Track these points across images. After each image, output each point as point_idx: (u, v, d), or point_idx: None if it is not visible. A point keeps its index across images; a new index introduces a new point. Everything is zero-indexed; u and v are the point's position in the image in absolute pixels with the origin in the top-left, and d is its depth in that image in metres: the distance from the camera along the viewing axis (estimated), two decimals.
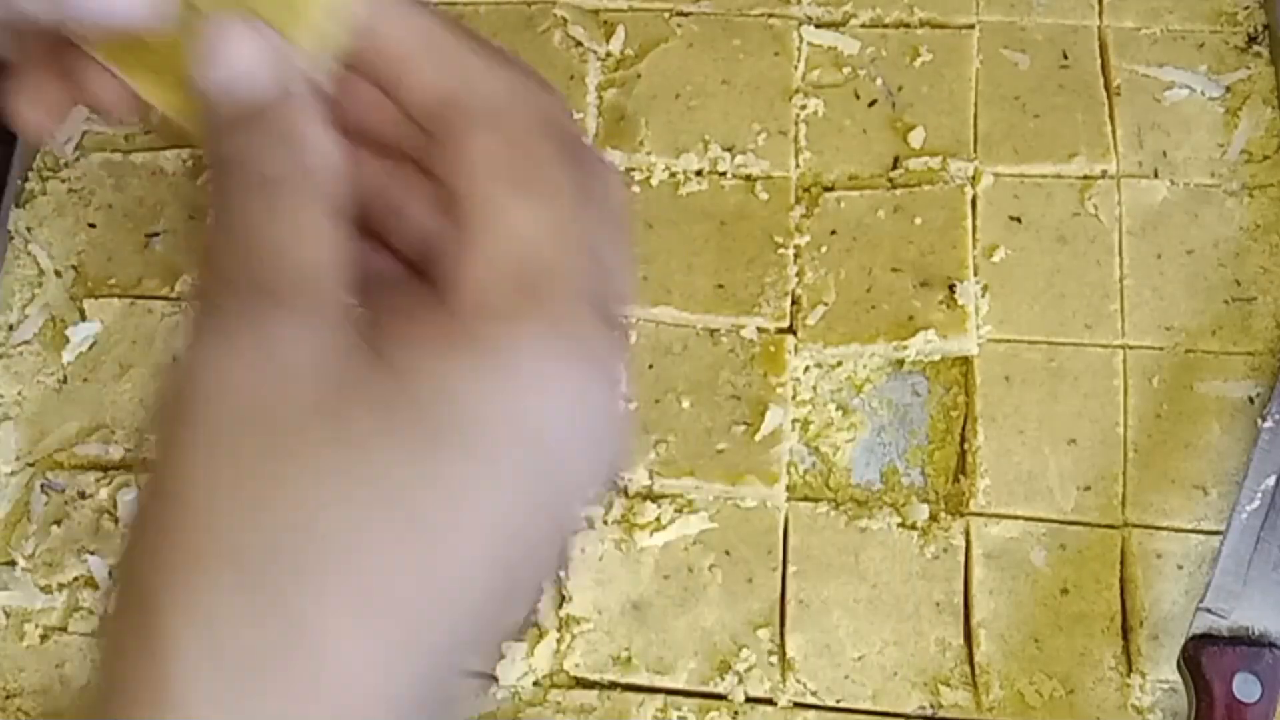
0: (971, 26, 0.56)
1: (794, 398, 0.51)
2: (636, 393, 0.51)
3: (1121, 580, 0.48)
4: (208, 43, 0.31)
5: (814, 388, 0.52)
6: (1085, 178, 0.53)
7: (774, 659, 0.47)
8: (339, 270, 0.29)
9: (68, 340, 0.53)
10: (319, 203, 0.30)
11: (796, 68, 0.56)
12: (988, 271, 0.52)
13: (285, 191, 0.30)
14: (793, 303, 0.52)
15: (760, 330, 0.51)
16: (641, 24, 0.57)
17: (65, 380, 0.53)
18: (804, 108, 0.55)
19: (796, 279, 0.52)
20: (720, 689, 0.47)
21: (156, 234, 0.55)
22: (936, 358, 0.51)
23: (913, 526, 0.49)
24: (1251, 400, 0.50)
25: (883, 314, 0.50)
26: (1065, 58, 0.55)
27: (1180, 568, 0.48)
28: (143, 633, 0.26)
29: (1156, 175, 0.53)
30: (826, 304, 0.51)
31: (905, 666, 0.47)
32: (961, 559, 0.48)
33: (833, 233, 0.52)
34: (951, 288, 0.50)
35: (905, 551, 0.48)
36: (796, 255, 0.52)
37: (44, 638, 0.49)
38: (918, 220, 0.52)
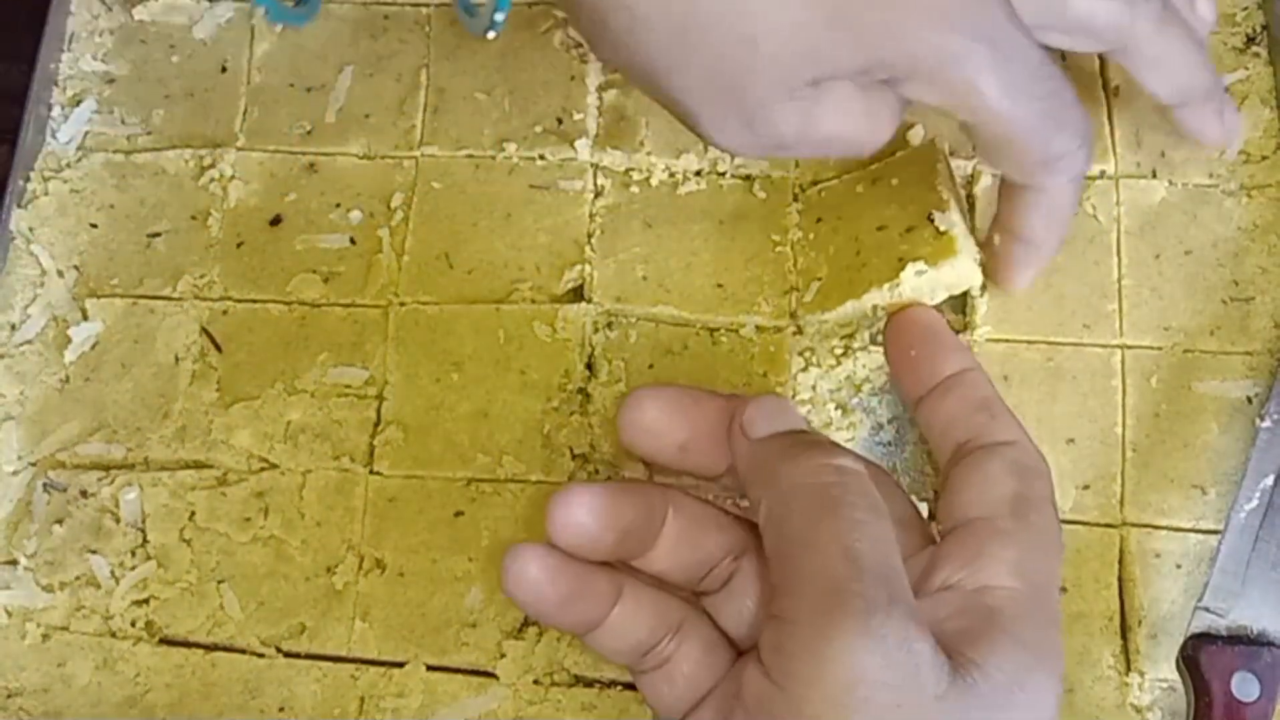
0: None
1: (794, 398, 0.51)
2: None
3: (1120, 579, 0.48)
4: (758, 407, 0.42)
5: (813, 387, 0.52)
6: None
7: None
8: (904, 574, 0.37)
9: (70, 340, 0.53)
10: (881, 515, 0.38)
11: None
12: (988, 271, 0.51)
13: (861, 509, 0.37)
14: (791, 290, 0.51)
15: (759, 329, 0.51)
16: None
17: (67, 380, 0.53)
18: None
19: (793, 269, 0.52)
20: None
21: (158, 234, 0.55)
22: (941, 297, 0.49)
23: None
24: (1250, 400, 0.50)
25: (873, 268, 0.49)
26: (1064, 57, 0.55)
27: (1179, 567, 0.48)
28: None
29: (1155, 175, 0.53)
30: (820, 279, 0.51)
31: None
32: None
33: (819, 220, 0.52)
34: (930, 218, 0.48)
35: None
36: (791, 248, 0.52)
37: (45, 637, 0.49)
38: (894, 181, 0.51)
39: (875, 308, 0.48)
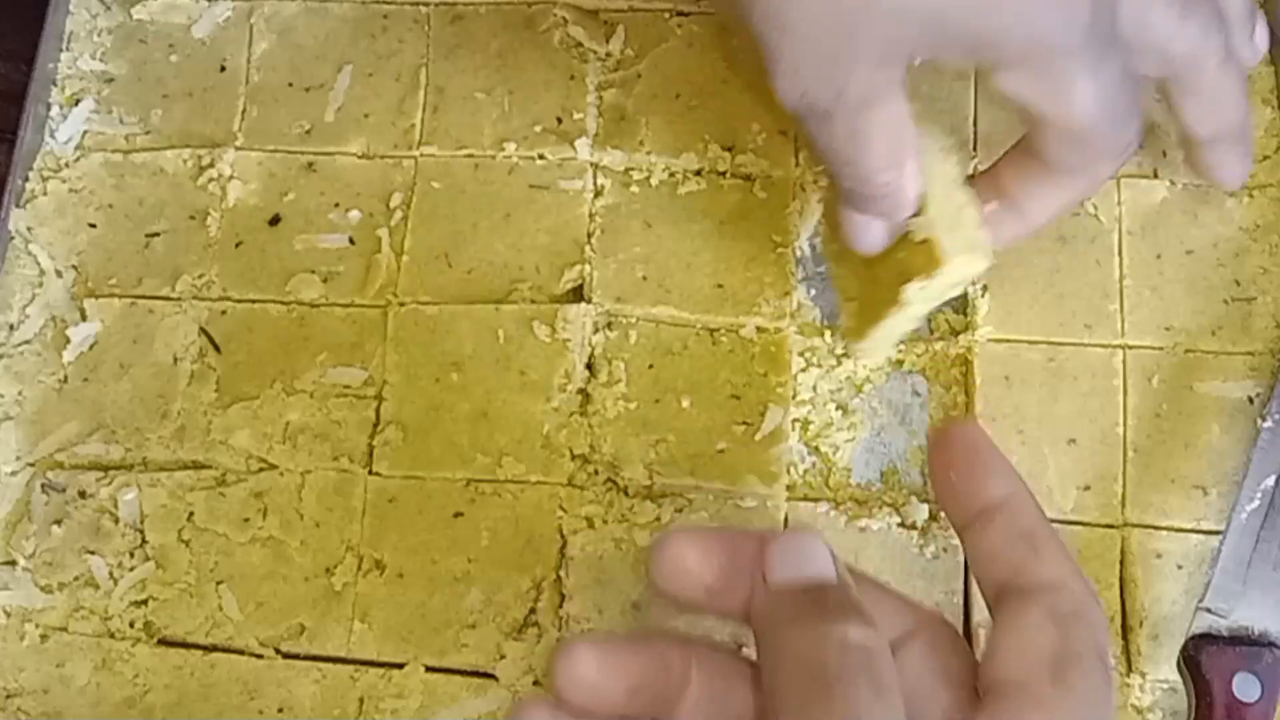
0: None
1: (794, 398, 0.51)
2: (636, 393, 0.51)
3: (1121, 580, 0.48)
4: (781, 547, 0.37)
5: (814, 388, 0.52)
6: None
7: None
8: None
9: (68, 340, 0.53)
10: (885, 695, 0.34)
11: None
12: (987, 271, 0.51)
13: (862, 687, 0.34)
14: (789, 293, 0.51)
15: (759, 330, 0.51)
16: (641, 24, 0.57)
17: (66, 380, 0.53)
18: None
19: (791, 273, 0.52)
20: None
21: (157, 234, 0.55)
22: (956, 292, 0.48)
23: (913, 526, 0.49)
24: (1251, 400, 0.50)
25: (885, 286, 0.47)
26: None
27: (1180, 567, 0.48)
28: None
29: (1156, 175, 0.53)
30: (853, 299, 0.51)
31: None
32: (961, 559, 0.48)
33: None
34: (906, 231, 0.46)
35: (905, 551, 0.48)
36: (792, 251, 0.52)
37: (44, 638, 0.49)
38: None
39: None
